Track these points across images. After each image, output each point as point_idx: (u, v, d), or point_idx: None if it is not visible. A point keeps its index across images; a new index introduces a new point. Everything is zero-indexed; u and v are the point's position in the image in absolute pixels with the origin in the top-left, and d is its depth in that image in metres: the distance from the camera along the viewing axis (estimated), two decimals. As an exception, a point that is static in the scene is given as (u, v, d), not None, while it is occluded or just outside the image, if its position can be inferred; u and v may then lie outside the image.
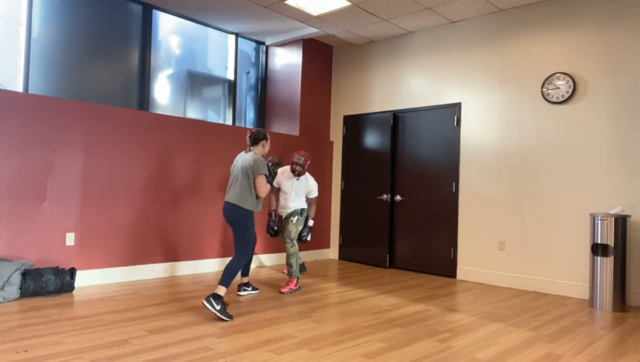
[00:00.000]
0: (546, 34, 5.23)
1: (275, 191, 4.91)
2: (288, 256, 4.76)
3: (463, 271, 5.76)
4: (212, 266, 5.73)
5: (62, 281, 4.28)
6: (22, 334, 3.14)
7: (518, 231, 5.34)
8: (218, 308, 3.62)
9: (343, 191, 7.09)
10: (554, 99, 5.11)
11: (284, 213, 4.89)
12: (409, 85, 6.39)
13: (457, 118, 5.89)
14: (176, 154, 5.41)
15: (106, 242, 4.84)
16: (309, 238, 4.99)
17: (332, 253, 7.18)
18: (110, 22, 5.67)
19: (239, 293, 4.53)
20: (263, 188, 3.97)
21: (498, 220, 5.50)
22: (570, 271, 4.97)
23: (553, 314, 4.20)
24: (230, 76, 6.92)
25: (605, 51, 4.85)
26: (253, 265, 6.07)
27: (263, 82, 7.36)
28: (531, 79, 5.30)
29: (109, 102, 5.58)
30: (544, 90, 5.17)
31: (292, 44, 7.02)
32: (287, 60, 7.09)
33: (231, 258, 4.32)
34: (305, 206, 4.91)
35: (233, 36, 6.90)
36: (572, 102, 5.03)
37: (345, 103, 7.17)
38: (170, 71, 6.27)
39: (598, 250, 4.50)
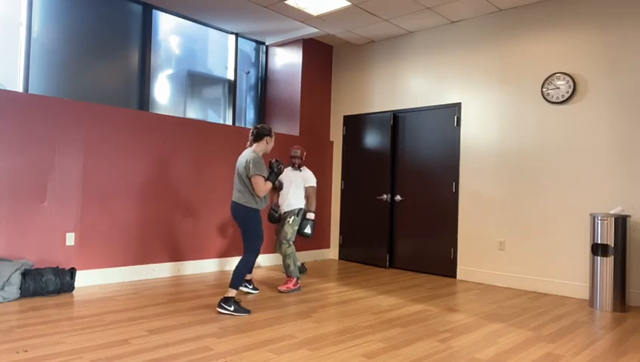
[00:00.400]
0: (546, 34, 5.23)
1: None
2: (285, 258, 4.74)
3: (463, 271, 5.76)
4: (212, 266, 5.73)
5: (62, 281, 4.28)
6: (22, 334, 3.14)
7: (518, 231, 5.34)
8: (232, 309, 3.74)
9: (343, 191, 7.09)
10: (554, 99, 5.11)
11: (282, 209, 4.89)
12: (409, 85, 6.39)
13: (457, 118, 5.89)
14: (176, 154, 5.41)
15: (106, 242, 4.84)
16: (309, 231, 4.81)
17: (332, 253, 7.18)
18: (110, 22, 5.67)
19: (242, 289, 4.57)
20: (261, 187, 3.86)
21: (498, 220, 5.50)
22: (570, 271, 4.97)
23: (553, 314, 4.20)
24: (230, 76, 6.92)
25: (605, 51, 4.85)
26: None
27: (263, 82, 7.36)
28: (531, 79, 5.30)
29: (109, 102, 5.58)
30: (544, 90, 5.17)
31: (292, 44, 7.02)
32: (287, 60, 7.09)
33: (240, 258, 4.33)
34: (302, 205, 4.88)
35: (233, 36, 6.90)
36: (572, 102, 5.03)
37: (345, 103, 7.17)
38: (170, 71, 6.27)
39: (598, 249, 4.50)
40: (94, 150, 4.77)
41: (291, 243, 4.76)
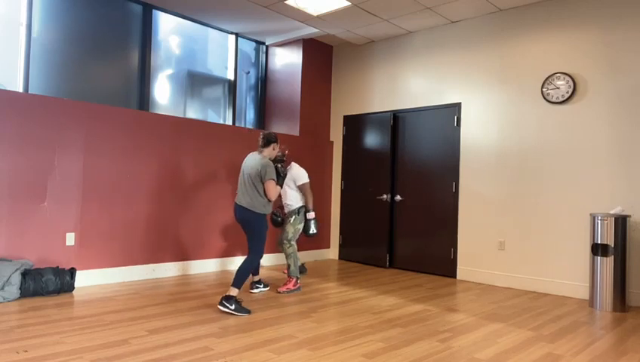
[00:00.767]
0: (546, 34, 5.23)
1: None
2: (286, 257, 4.75)
3: (463, 271, 5.76)
4: (213, 266, 5.73)
5: (62, 281, 4.28)
6: (22, 334, 3.14)
7: (518, 231, 5.34)
8: (232, 307, 3.79)
9: (343, 191, 7.09)
10: (554, 99, 5.11)
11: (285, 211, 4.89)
12: (409, 85, 6.39)
13: (457, 118, 5.89)
14: (176, 154, 5.41)
15: (106, 242, 4.84)
16: (314, 231, 4.79)
17: (332, 253, 7.18)
18: (110, 22, 5.67)
19: (252, 291, 4.65)
20: (273, 191, 4.07)
21: (498, 220, 5.50)
22: (570, 271, 4.97)
23: (553, 314, 4.20)
24: (230, 76, 6.92)
25: (605, 51, 4.85)
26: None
27: (263, 82, 7.36)
28: (531, 79, 5.30)
29: (109, 102, 5.58)
30: (544, 90, 5.17)
31: (292, 44, 7.02)
32: (287, 60, 7.09)
33: (243, 258, 4.38)
34: (300, 203, 4.82)
35: (233, 36, 6.90)
36: (572, 102, 5.03)
37: (345, 103, 7.17)
38: (170, 71, 6.27)
39: (598, 250, 4.50)
40: (94, 150, 4.77)
41: (292, 242, 4.75)
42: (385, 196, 6.50)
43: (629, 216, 4.47)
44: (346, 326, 3.60)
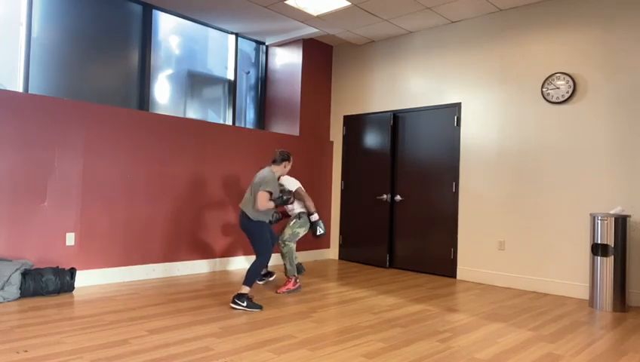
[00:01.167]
0: (546, 34, 5.23)
1: None
2: (282, 257, 4.81)
3: (463, 271, 5.76)
4: (213, 266, 5.73)
5: (62, 281, 4.28)
6: (22, 334, 3.14)
7: (518, 231, 5.34)
8: (244, 304, 3.94)
9: (343, 191, 7.09)
10: (554, 99, 5.11)
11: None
12: (409, 85, 6.39)
13: (457, 118, 5.89)
14: (176, 154, 5.41)
15: (106, 242, 4.84)
16: (321, 231, 4.83)
17: (332, 253, 7.18)
18: (110, 22, 5.67)
19: (259, 282, 5.01)
20: (263, 201, 4.13)
21: (498, 220, 5.50)
22: (570, 271, 4.97)
23: (553, 314, 4.20)
24: (230, 76, 6.92)
25: (605, 51, 4.85)
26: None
27: (263, 82, 7.36)
28: (531, 79, 5.30)
29: (109, 102, 5.58)
30: (544, 90, 5.17)
31: (292, 44, 7.02)
32: (287, 60, 7.09)
33: (244, 258, 4.60)
34: (299, 209, 4.87)
35: (233, 36, 6.90)
36: (572, 102, 5.03)
37: (345, 103, 7.17)
38: (170, 71, 6.27)
39: (598, 250, 4.50)
40: (94, 150, 4.77)
41: (287, 243, 4.78)
42: (385, 196, 6.50)
43: (629, 216, 4.47)
44: (346, 326, 3.60)
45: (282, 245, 4.79)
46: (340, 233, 7.08)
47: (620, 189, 4.71)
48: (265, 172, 4.29)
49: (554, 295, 5.00)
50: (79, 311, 3.75)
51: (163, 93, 6.19)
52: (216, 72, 6.79)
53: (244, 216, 4.27)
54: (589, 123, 4.91)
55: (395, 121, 6.52)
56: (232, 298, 4.08)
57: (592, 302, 4.53)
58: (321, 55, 7.18)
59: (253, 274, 4.08)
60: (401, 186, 6.44)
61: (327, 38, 6.96)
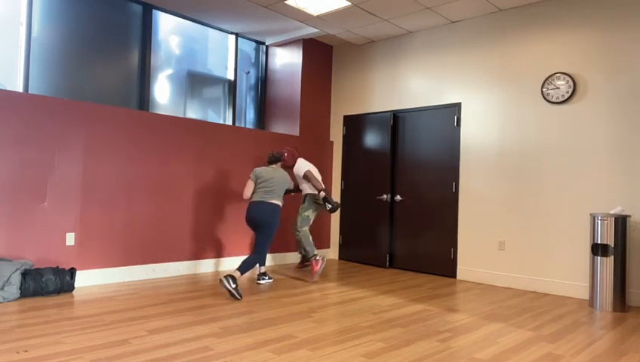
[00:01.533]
0: (546, 34, 5.23)
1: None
2: (299, 245, 5.44)
3: (463, 271, 5.76)
4: (213, 266, 5.73)
5: (62, 281, 4.28)
6: (22, 334, 3.14)
7: (518, 231, 5.34)
8: (233, 286, 4.25)
9: (343, 191, 7.09)
10: (554, 99, 5.11)
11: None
12: (409, 85, 6.39)
13: (457, 118, 5.89)
14: (176, 154, 5.41)
15: (106, 242, 4.84)
16: (328, 206, 5.24)
17: (332, 253, 7.17)
18: (110, 22, 5.67)
19: (258, 282, 5.06)
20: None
21: (498, 220, 5.50)
22: (570, 271, 4.97)
23: (553, 314, 4.20)
24: (230, 76, 6.92)
25: (605, 51, 4.85)
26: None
27: (263, 82, 7.36)
28: (531, 79, 5.30)
29: (109, 102, 5.58)
30: (544, 90, 5.17)
31: (292, 44, 7.02)
32: (287, 60, 7.09)
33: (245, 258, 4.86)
34: (309, 191, 5.47)
35: (233, 36, 6.90)
36: (572, 102, 5.03)
37: (345, 103, 7.16)
38: (170, 71, 6.27)
39: (598, 250, 4.50)
40: (94, 150, 4.77)
41: (300, 229, 5.37)
42: (385, 196, 6.50)
43: (629, 216, 4.47)
44: (346, 326, 3.60)
45: (295, 231, 5.31)
46: (340, 233, 7.08)
47: (619, 189, 4.71)
48: (281, 171, 4.96)
49: (554, 295, 5.00)
50: (79, 311, 3.75)
51: (163, 93, 6.19)
52: (216, 72, 6.79)
53: (275, 206, 4.74)
54: (589, 123, 4.91)
55: (395, 121, 6.52)
56: (225, 275, 4.36)
57: (592, 302, 4.53)
58: (321, 55, 7.18)
59: (248, 266, 4.46)
60: (401, 186, 6.44)
61: (327, 38, 6.96)
